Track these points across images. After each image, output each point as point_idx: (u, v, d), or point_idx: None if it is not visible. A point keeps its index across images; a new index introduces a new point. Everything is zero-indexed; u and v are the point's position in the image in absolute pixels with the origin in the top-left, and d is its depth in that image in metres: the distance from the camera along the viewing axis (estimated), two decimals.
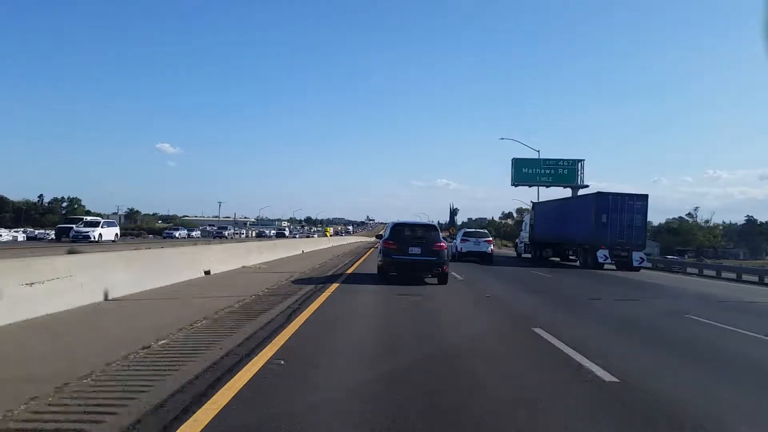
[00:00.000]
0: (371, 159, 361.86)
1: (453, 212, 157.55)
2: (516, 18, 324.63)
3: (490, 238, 25.80)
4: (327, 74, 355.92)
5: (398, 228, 13.48)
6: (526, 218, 32.51)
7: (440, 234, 13.80)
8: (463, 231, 28.03)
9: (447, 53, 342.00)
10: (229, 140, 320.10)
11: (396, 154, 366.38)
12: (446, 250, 13.22)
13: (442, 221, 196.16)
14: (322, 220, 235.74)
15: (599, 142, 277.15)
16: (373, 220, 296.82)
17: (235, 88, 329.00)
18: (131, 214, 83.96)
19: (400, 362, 5.08)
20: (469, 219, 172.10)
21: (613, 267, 22.74)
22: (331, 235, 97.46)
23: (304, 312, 7.66)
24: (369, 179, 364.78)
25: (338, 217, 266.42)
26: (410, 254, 12.67)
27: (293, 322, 6.78)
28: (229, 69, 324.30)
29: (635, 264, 22.24)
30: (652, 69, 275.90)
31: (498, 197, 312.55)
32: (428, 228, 13.85)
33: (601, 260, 22.14)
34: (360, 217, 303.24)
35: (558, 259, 28.89)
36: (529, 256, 31.11)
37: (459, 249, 24.30)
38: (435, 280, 12.88)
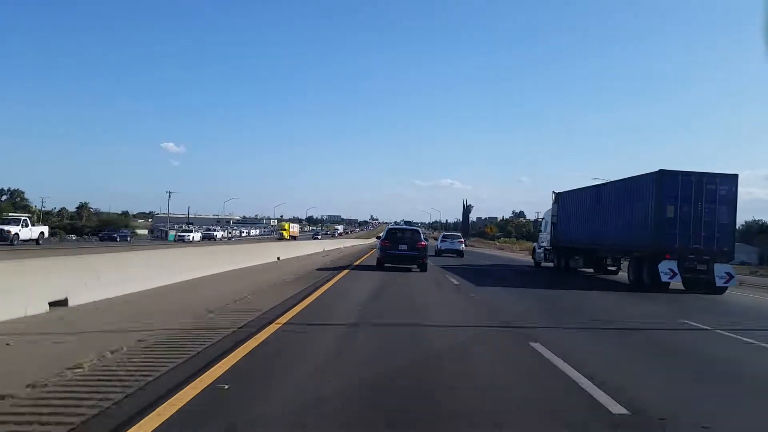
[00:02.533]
0: (375, 159, 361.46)
1: (466, 210, 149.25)
2: (517, 17, 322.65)
3: (462, 239, 36.54)
4: (330, 74, 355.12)
5: (392, 231, 19.20)
6: (547, 214, 25.32)
7: (422, 235, 19.37)
8: (442, 234, 39.45)
9: (449, 53, 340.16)
10: (233, 139, 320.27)
11: (399, 154, 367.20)
12: (426, 247, 18.56)
13: (451, 220, 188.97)
14: (316, 218, 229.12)
15: (600, 142, 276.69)
16: (377, 219, 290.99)
17: (238, 88, 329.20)
18: (81, 208, 74.99)
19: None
20: (478, 218, 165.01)
21: (681, 286, 15.62)
22: (292, 238, 77.36)
23: None
24: (373, 179, 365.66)
25: (334, 214, 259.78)
26: (400, 250, 18.01)
27: None
28: (232, 69, 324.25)
29: (719, 283, 15.06)
30: (652, 70, 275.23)
31: (503, 197, 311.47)
32: (413, 231, 19.52)
33: (665, 276, 14.90)
34: (364, 216, 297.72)
35: (591, 270, 21.75)
36: (551, 265, 23.96)
37: (439, 247, 33.82)
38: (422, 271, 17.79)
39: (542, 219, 26.32)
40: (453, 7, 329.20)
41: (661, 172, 15.39)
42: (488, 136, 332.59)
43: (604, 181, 19.53)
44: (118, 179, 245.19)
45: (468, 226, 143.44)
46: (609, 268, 21.04)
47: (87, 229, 56.09)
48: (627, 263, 20.82)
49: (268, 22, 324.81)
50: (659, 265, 14.98)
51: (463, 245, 35.40)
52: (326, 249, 34.29)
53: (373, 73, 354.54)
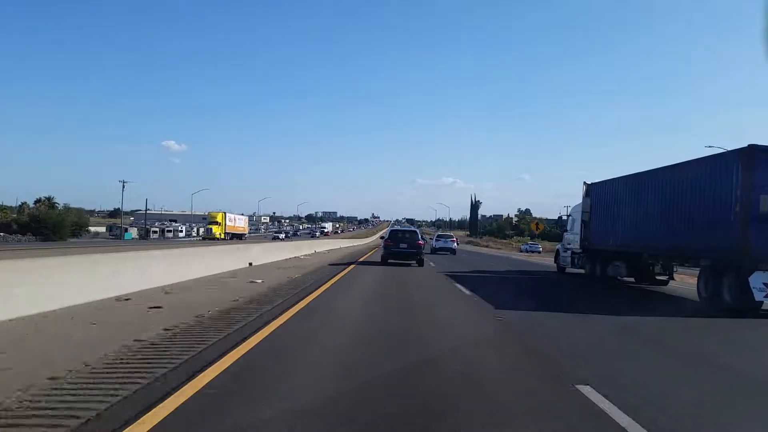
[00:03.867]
0: (376, 157, 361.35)
1: (475, 206, 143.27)
2: (518, 17, 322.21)
3: (454, 238, 41.58)
4: (331, 73, 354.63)
5: (394, 232, 23.68)
6: (574, 211, 21.30)
7: (419, 235, 23.49)
8: (437, 234, 44.10)
9: (450, 53, 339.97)
10: (233, 138, 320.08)
11: (401, 153, 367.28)
12: (422, 246, 23.04)
13: (456, 218, 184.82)
14: (315, 216, 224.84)
15: (599, 141, 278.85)
16: (378, 217, 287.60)
17: (239, 87, 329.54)
18: (39, 203, 68.50)
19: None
20: (483, 216, 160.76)
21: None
22: (232, 236, 56.14)
23: None
24: (374, 177, 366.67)
25: (330, 211, 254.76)
26: (400, 248, 21.90)
27: None
28: (233, 68, 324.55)
29: None
30: (655, 71, 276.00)
31: (505, 195, 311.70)
32: (412, 232, 23.73)
33: (760, 294, 10.92)
34: (365, 215, 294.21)
35: (632, 279, 17.77)
36: (581, 272, 19.92)
37: (434, 246, 37.97)
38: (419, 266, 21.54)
39: (568, 216, 22.27)
40: (455, 6, 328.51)
41: (752, 148, 11.29)
42: (489, 135, 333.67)
43: (662, 166, 15.39)
44: (119, 176, 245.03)
45: (476, 224, 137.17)
46: (658, 277, 17.05)
47: (15, 226, 50.04)
48: (679, 270, 17.13)
49: (275, 20, 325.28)
50: (750, 279, 10.97)
51: (456, 244, 40.84)
52: (255, 263, 18.59)
53: (375, 72, 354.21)
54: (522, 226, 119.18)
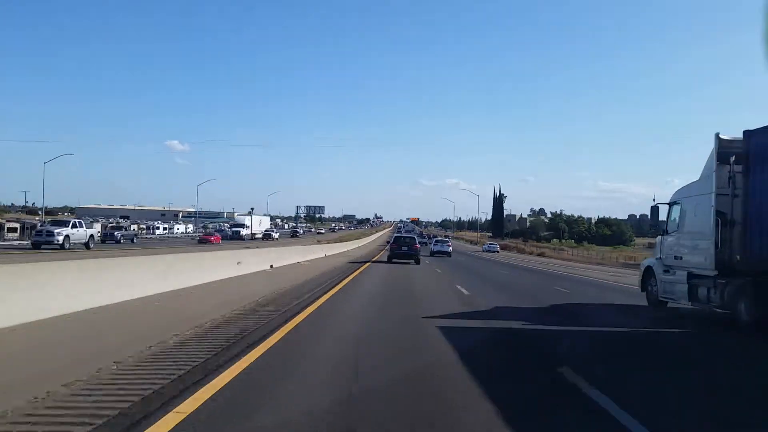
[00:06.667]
0: (379, 158, 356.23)
1: (499, 200, 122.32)
2: (521, 18, 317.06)
3: (450, 242, 50.20)
4: (333, 73, 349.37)
5: (397, 237, 31.68)
6: (687, 195, 11.36)
7: (417, 240, 30.63)
8: (435, 239, 55.69)
9: (453, 53, 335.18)
10: (233, 137, 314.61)
11: (404, 154, 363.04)
12: (419, 248, 29.33)
13: (465, 218, 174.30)
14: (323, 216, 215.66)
15: (604, 142, 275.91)
16: (380, 218, 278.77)
17: (242, 86, 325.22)
18: None
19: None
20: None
21: None
22: None
23: None
24: (377, 178, 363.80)
25: (315, 205, 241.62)
26: (402, 250, 28.29)
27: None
28: (236, 67, 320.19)
29: None
30: (661, 70, 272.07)
31: (511, 196, 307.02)
32: (411, 238, 31.25)
33: None
34: (366, 214, 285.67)
35: None
36: (731, 315, 10.00)
37: (432, 249, 43.29)
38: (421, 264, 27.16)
39: (670, 205, 12.33)
40: (458, 6, 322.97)
41: None
42: (493, 136, 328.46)
43: None
44: (120, 174, 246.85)
45: (502, 222, 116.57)
46: None
47: None
48: None
49: (278, 19, 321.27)
50: None
51: (451, 247, 45.63)
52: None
53: (377, 73, 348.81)
54: (561, 225, 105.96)
